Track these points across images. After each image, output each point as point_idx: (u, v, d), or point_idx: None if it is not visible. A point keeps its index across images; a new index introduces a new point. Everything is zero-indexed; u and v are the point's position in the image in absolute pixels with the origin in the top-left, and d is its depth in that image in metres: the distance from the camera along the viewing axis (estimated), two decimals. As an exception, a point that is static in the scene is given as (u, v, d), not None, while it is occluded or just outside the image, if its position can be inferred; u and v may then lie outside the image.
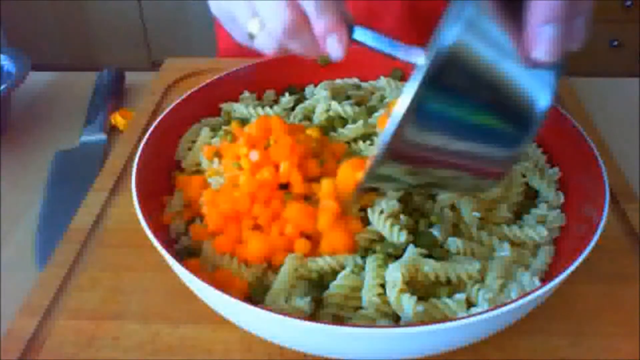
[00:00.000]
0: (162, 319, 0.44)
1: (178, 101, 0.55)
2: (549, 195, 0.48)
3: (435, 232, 0.44)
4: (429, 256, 0.42)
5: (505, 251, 0.44)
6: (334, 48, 0.39)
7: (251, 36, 0.42)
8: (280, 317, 0.35)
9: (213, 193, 0.47)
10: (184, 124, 0.56)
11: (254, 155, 0.47)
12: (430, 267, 0.41)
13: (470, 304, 0.40)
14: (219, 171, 0.50)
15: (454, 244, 0.43)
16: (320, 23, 0.39)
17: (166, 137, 0.53)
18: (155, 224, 0.43)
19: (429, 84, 0.32)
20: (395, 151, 0.34)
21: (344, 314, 0.41)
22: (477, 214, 0.46)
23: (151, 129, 0.51)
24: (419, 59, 0.38)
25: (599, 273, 0.46)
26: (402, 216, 0.45)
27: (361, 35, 0.39)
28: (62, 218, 0.54)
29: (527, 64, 0.34)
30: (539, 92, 0.34)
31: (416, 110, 0.32)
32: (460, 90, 0.33)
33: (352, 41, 0.40)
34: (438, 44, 0.32)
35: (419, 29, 0.76)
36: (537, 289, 0.36)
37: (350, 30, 0.39)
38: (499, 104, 0.34)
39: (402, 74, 0.63)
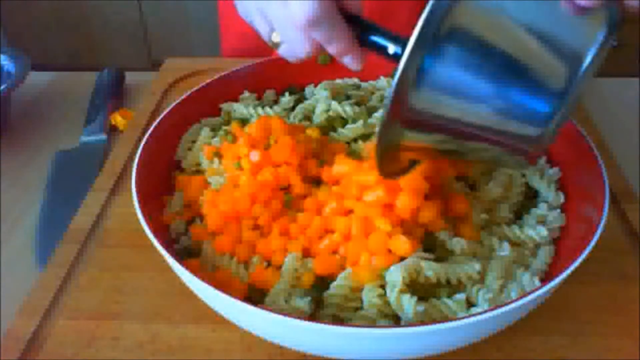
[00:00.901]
0: (162, 319, 0.44)
1: (178, 101, 0.55)
2: (549, 195, 0.48)
3: (441, 233, 0.44)
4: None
5: (505, 251, 0.44)
6: (352, 65, 0.41)
7: (275, 45, 0.43)
8: (280, 317, 0.35)
9: (213, 193, 0.47)
10: (184, 124, 0.56)
11: (255, 156, 0.47)
12: (431, 270, 0.41)
13: (470, 304, 0.40)
14: (219, 171, 0.50)
15: (457, 244, 0.43)
16: (332, 49, 0.40)
17: (166, 137, 0.53)
18: (155, 224, 0.43)
19: (429, 38, 0.28)
20: (407, 116, 0.31)
21: (344, 314, 0.41)
22: (477, 214, 0.46)
23: (151, 129, 0.51)
24: None
25: (599, 273, 0.46)
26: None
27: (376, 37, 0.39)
28: (62, 218, 0.54)
29: (571, 12, 0.30)
30: (578, 44, 0.29)
31: (419, 67, 0.29)
32: (476, 46, 0.29)
33: (368, 49, 0.40)
34: None
35: None
36: (537, 289, 0.36)
37: (364, 37, 0.39)
38: (529, 58, 0.30)
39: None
